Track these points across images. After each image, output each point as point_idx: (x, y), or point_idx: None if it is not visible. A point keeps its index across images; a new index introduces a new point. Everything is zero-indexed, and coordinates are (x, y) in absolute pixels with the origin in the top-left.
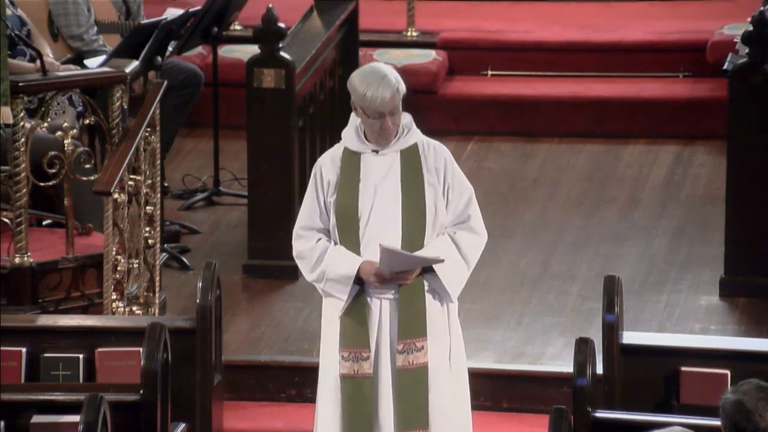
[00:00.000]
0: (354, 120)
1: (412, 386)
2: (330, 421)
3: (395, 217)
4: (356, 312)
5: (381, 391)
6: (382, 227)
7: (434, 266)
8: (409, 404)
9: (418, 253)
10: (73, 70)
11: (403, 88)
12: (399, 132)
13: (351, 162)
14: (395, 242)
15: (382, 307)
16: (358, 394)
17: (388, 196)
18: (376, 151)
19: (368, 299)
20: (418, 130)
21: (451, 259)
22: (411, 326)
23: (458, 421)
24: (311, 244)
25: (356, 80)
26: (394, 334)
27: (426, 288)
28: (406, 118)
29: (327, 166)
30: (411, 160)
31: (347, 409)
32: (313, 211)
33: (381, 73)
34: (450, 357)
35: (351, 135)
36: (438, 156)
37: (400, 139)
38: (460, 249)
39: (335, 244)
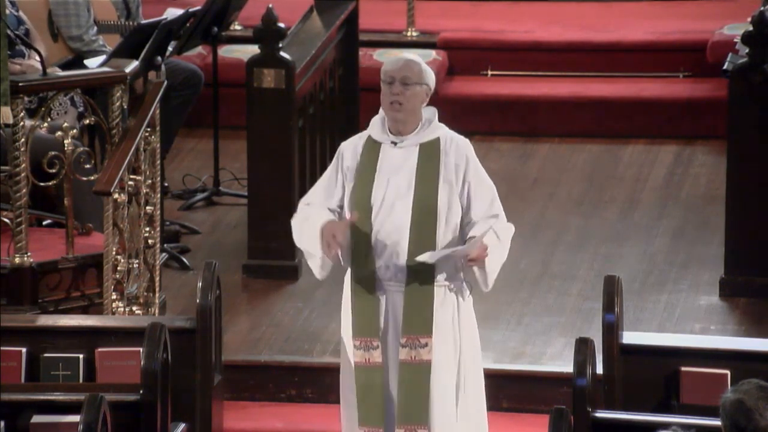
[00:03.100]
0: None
1: (414, 381)
2: (348, 407)
3: (404, 211)
4: (366, 302)
5: (391, 381)
6: (390, 219)
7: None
8: (410, 399)
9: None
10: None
11: (425, 74)
12: (420, 125)
13: (371, 152)
14: (403, 235)
15: (392, 299)
16: (369, 383)
17: (401, 189)
18: (395, 143)
19: (378, 290)
20: (443, 126)
21: (496, 249)
22: (415, 322)
23: (468, 422)
24: (301, 215)
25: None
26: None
27: (437, 284)
28: (429, 113)
29: (348, 152)
30: (429, 155)
31: (361, 397)
32: (324, 187)
33: (407, 54)
34: (461, 356)
35: (376, 123)
36: (459, 152)
37: (419, 132)
38: (498, 236)
39: (349, 235)
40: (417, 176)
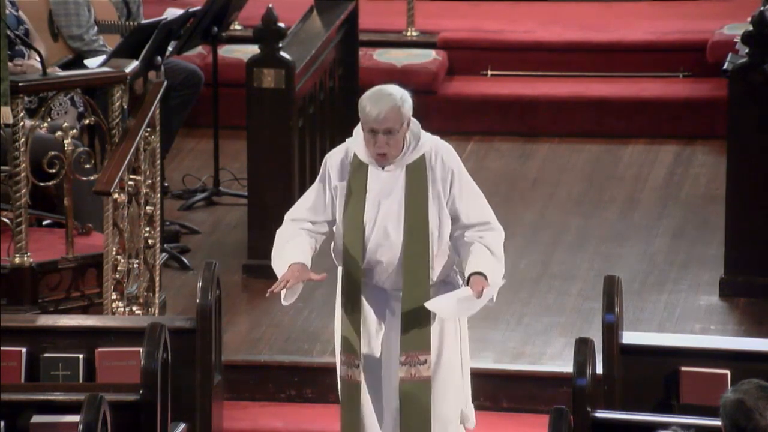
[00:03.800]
0: None
1: (415, 399)
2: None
3: (397, 234)
4: (352, 321)
5: (388, 398)
6: (383, 241)
7: (486, 274)
8: (411, 416)
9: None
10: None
11: (406, 110)
12: (405, 146)
13: (359, 173)
14: (396, 255)
15: (388, 317)
16: (350, 399)
17: (392, 212)
18: (382, 167)
19: (369, 307)
20: (429, 137)
21: (492, 267)
22: (413, 339)
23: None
24: (286, 236)
25: (365, 94)
26: (398, 343)
27: (433, 286)
28: (414, 126)
29: (335, 169)
30: (416, 175)
31: (343, 410)
32: (312, 204)
33: (387, 92)
34: (462, 364)
35: (360, 142)
36: (446, 167)
37: (406, 155)
38: (493, 252)
39: (339, 253)
40: (407, 198)
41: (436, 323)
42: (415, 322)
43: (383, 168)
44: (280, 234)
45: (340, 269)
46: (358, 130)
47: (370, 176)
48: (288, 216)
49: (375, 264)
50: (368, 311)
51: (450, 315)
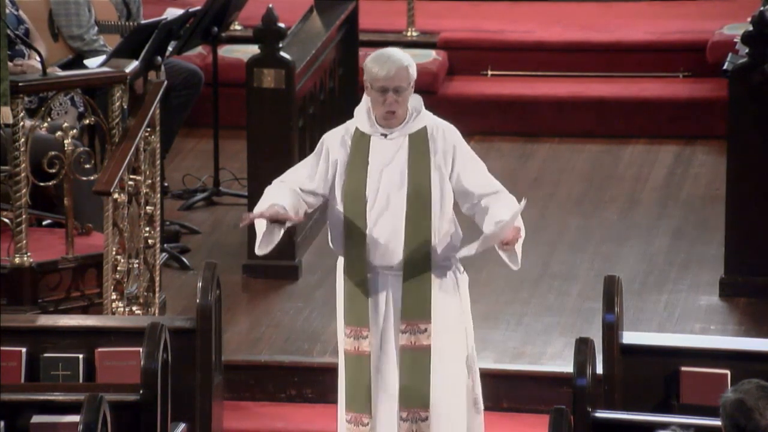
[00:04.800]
0: (366, 100)
1: (415, 366)
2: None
3: (400, 202)
4: (358, 290)
5: (388, 365)
6: (386, 211)
7: (504, 218)
8: (411, 383)
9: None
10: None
11: (413, 71)
12: (408, 116)
13: (360, 144)
14: (399, 225)
15: (390, 287)
16: (357, 371)
17: (394, 181)
18: (385, 135)
19: (373, 280)
20: (429, 113)
21: (506, 207)
22: (414, 308)
23: (458, 402)
24: (274, 188)
25: (369, 57)
26: (399, 311)
27: (435, 266)
28: (416, 101)
29: (335, 144)
30: (418, 145)
31: (348, 383)
32: (303, 172)
33: (392, 52)
34: (467, 338)
35: (362, 116)
36: (447, 140)
37: (408, 123)
38: (506, 202)
39: (339, 233)
40: (409, 167)
41: (437, 293)
42: (416, 291)
43: (386, 136)
44: (268, 189)
45: (340, 259)
46: (358, 111)
47: (373, 147)
48: (277, 179)
49: (377, 238)
50: (372, 288)
51: (486, 243)
